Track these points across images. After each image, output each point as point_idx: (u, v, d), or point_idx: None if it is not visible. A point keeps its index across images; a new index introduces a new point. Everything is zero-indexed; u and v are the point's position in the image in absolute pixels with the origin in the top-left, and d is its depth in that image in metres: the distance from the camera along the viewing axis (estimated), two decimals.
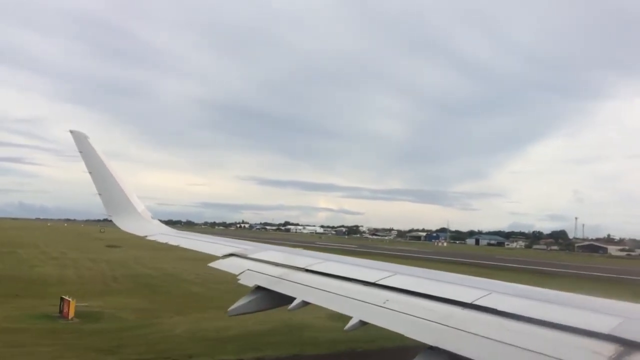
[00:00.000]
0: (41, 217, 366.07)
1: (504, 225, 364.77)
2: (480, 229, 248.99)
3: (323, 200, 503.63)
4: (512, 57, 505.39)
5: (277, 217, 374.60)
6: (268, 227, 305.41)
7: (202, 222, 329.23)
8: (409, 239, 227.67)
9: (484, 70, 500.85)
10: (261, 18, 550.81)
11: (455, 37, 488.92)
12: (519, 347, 4.13)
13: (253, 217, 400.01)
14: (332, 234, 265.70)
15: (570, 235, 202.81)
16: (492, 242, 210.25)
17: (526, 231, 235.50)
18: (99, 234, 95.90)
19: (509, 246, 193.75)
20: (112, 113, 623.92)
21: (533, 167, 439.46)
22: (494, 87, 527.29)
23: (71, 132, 14.01)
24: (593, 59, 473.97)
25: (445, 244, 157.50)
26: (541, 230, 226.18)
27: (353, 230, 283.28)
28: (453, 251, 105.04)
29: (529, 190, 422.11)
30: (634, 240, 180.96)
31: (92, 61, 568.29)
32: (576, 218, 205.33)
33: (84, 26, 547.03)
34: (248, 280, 8.22)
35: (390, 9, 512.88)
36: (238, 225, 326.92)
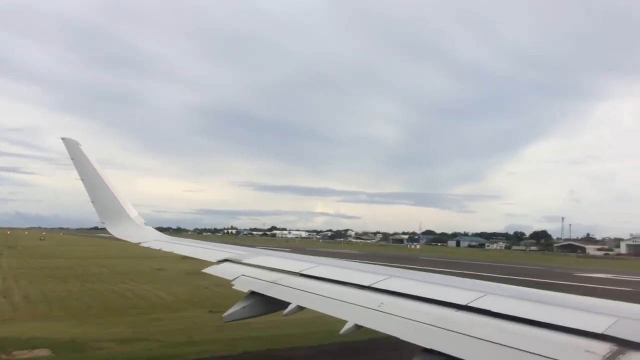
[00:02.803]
0: (35, 226, 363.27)
1: (501, 227, 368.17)
2: (468, 231, 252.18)
3: (320, 205, 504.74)
4: (506, 58, 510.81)
5: (275, 223, 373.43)
6: (255, 233, 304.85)
7: (193, 228, 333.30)
8: (392, 242, 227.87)
9: (478, 72, 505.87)
10: (255, 23, 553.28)
11: (449, 39, 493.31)
12: (514, 348, 4.10)
13: (250, 223, 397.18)
14: (316, 238, 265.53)
15: (559, 236, 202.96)
16: (473, 243, 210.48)
17: (526, 232, 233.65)
18: (35, 242, 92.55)
19: (489, 247, 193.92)
20: (106, 121, 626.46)
21: (529, 169, 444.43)
22: (488, 89, 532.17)
23: (63, 139, 13.86)
24: (586, 60, 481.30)
25: (418, 247, 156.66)
26: (537, 231, 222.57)
27: (341, 234, 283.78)
28: (405, 253, 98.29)
29: (525, 191, 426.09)
30: (612, 240, 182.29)
31: (85, 69, 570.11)
32: (562, 218, 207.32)
33: (76, 34, 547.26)
34: (242, 286, 8.14)
35: (385, 13, 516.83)
36: (226, 231, 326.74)
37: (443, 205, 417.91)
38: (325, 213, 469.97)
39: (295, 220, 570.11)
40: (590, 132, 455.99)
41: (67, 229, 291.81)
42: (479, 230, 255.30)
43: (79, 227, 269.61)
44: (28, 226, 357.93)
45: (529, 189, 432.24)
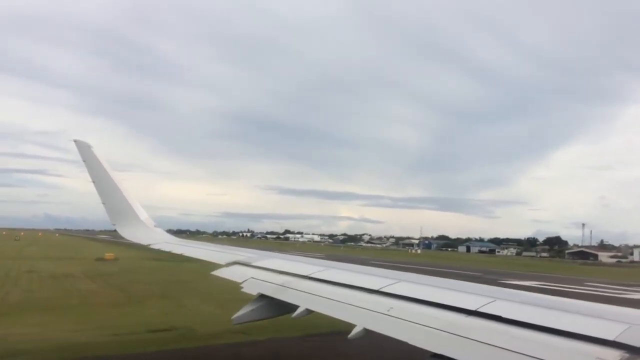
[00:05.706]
0: (61, 228, 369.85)
1: (527, 233, 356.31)
2: (492, 237, 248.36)
3: (345, 209, 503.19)
4: (530, 62, 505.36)
5: (298, 226, 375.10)
6: (269, 237, 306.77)
7: (212, 231, 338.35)
8: (402, 246, 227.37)
9: (501, 76, 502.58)
10: (275, 28, 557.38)
11: (469, 43, 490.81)
12: (524, 354, 4.06)
13: (273, 226, 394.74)
14: (328, 242, 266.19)
15: (578, 243, 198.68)
16: (484, 249, 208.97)
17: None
18: (11, 242, 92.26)
19: (499, 253, 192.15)
20: (132, 125, 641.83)
21: (556, 174, 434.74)
22: (513, 94, 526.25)
23: (75, 141, 13.94)
24: (613, 64, 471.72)
25: (419, 251, 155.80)
26: (566, 239, 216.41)
27: (354, 238, 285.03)
28: (392, 257, 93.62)
29: (553, 197, 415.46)
30: (626, 247, 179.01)
31: (111, 75, 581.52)
32: (583, 224, 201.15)
33: (102, 40, 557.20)
34: (251, 289, 8.14)
35: (402, 16, 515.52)
36: (241, 235, 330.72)
37: (467, 210, 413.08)
38: (349, 217, 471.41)
39: (319, 224, 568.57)
40: (619, 136, 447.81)
41: (92, 230, 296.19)
42: (505, 236, 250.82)
43: (103, 229, 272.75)
44: (55, 228, 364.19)
45: (557, 194, 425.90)
